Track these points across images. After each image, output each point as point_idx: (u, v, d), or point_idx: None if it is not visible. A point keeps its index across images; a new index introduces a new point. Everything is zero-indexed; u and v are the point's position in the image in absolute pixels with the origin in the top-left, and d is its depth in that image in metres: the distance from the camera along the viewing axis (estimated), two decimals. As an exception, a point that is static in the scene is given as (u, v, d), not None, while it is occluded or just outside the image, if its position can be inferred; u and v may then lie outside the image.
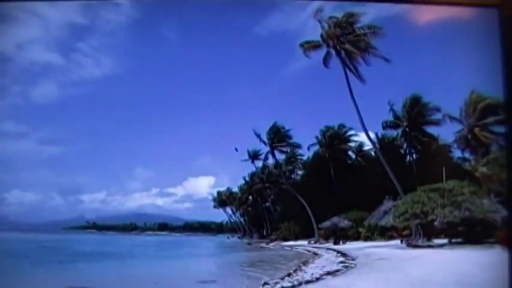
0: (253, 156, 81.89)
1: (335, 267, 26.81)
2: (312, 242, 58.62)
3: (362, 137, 62.74)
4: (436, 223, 36.22)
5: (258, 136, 69.53)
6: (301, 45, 50.07)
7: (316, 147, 68.54)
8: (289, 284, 19.26)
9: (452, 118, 49.57)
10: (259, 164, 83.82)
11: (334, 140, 66.47)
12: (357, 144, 67.89)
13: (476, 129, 46.41)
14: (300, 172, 78.59)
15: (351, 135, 67.91)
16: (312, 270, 26.27)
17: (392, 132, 57.61)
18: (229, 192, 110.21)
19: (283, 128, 70.77)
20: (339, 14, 48.47)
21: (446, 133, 53.82)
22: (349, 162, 68.62)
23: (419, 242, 37.43)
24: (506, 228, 29.52)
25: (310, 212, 61.22)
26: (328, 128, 67.31)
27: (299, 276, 22.68)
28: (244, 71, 63.97)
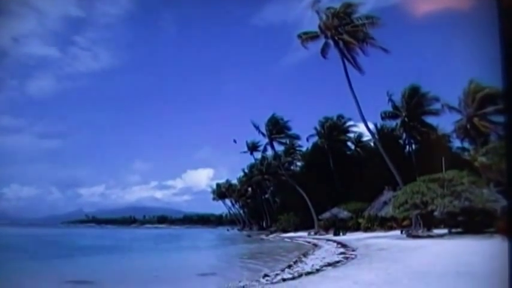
0: (252, 148, 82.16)
1: (335, 258, 26.72)
2: (312, 233, 58.74)
3: (361, 128, 62.90)
4: (436, 213, 36.27)
5: (257, 128, 69.72)
6: (299, 36, 50.06)
7: (315, 139, 68.80)
8: (290, 276, 19.15)
9: (451, 108, 49.66)
10: (258, 155, 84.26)
11: (333, 131, 66.60)
12: (356, 135, 68.12)
13: (475, 119, 46.46)
14: (299, 163, 78.82)
15: (349, 126, 68.10)
16: (312, 261, 26.20)
17: (392, 123, 57.79)
18: (229, 184, 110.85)
19: (282, 119, 70.96)
20: (337, 5, 48.47)
21: (445, 123, 53.98)
22: (348, 153, 68.80)
23: (419, 232, 37.42)
24: (506, 217, 29.53)
25: (309, 203, 61.35)
26: (327, 119, 67.47)
27: (299, 268, 22.60)
28: (242, 63, 64.30)
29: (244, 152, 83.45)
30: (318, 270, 20.56)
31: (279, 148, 74.25)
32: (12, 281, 20.79)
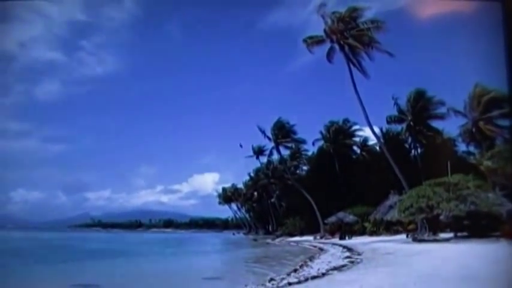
0: (258, 152, 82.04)
1: (341, 262, 26.71)
2: (318, 237, 58.65)
3: (367, 132, 62.80)
4: (441, 217, 36.17)
5: (263, 132, 69.63)
6: (305, 40, 50.02)
7: (321, 143, 68.69)
8: (296, 280, 19.18)
9: (456, 112, 49.53)
10: (264, 159, 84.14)
11: (339, 135, 66.52)
12: (362, 139, 67.95)
13: (481, 123, 46.33)
14: (305, 167, 78.69)
15: (355, 130, 67.93)
16: (318, 265, 26.20)
17: (397, 127, 57.69)
18: (234, 188, 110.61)
19: (288, 123, 70.84)
20: (342, 9, 48.45)
21: (450, 127, 53.81)
22: (353, 157, 68.67)
23: (425, 236, 37.40)
24: (511, 221, 29.50)
25: (315, 207, 61.26)
26: (332, 123, 67.39)
27: (305, 272, 22.62)
28: (247, 68, 64.27)
29: (250, 156, 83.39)
30: (323, 274, 20.60)
31: (285, 152, 74.18)
32: (19, 285, 20.88)
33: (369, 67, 48.15)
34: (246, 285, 18.29)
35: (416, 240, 37.20)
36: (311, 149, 74.64)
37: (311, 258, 31.74)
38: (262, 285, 18.38)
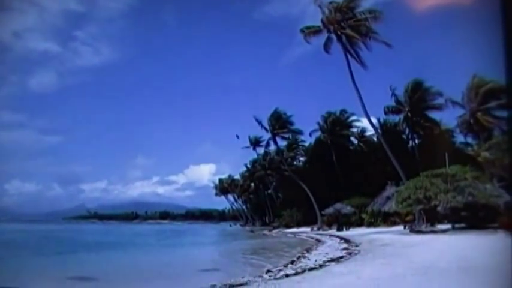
0: (255, 143, 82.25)
1: (338, 253, 26.59)
2: (315, 228, 58.66)
3: (364, 123, 62.93)
4: (439, 208, 36.12)
5: (259, 123, 69.72)
6: (302, 30, 49.89)
7: (318, 133, 68.76)
8: (293, 272, 19.04)
9: (454, 103, 49.57)
10: (260, 150, 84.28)
11: (336, 125, 66.55)
12: (359, 129, 68.13)
13: (479, 114, 46.31)
14: (302, 158, 78.85)
15: (352, 121, 68.03)
16: (316, 257, 26.10)
17: (395, 118, 57.86)
18: (231, 180, 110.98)
19: (285, 114, 70.94)
20: (340, -1, 48.26)
21: (448, 118, 53.93)
22: (351, 148, 68.74)
23: (423, 228, 37.37)
24: (509, 212, 29.44)
25: (312, 199, 61.26)
26: (329, 113, 67.44)
27: (302, 264, 22.49)
28: (244, 58, 64.38)
29: (247, 147, 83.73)
30: (321, 266, 20.49)
31: (282, 143, 74.39)
32: (14, 278, 20.76)
33: (366, 57, 48.04)
34: (243, 277, 18.16)
35: (413, 231, 37.18)
36: (308, 140, 74.83)
37: (308, 250, 31.70)
38: (260, 276, 18.24)
